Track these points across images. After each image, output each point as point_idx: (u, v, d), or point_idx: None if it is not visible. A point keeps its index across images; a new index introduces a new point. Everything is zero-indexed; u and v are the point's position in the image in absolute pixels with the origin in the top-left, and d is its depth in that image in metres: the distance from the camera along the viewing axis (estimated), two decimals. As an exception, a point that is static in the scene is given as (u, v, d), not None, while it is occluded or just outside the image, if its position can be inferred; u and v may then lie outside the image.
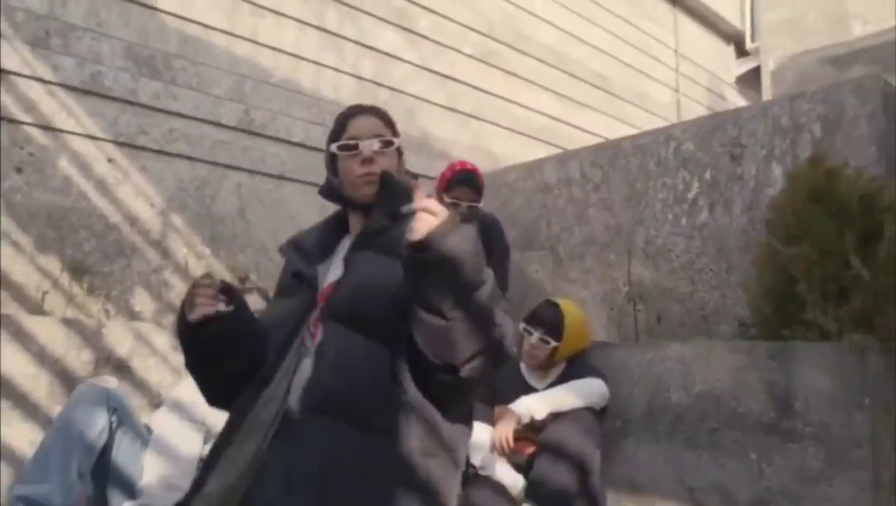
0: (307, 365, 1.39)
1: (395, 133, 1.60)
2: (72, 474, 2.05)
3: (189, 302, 1.43)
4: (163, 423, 2.37)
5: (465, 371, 1.26)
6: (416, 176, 1.58)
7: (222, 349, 1.44)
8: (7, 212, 2.89)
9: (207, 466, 1.41)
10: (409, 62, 4.47)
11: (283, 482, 1.28)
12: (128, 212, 3.25)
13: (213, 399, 1.56)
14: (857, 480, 2.18)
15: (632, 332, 3.17)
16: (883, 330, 2.26)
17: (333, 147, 1.56)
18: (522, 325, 2.54)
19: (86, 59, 3.18)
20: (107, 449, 2.19)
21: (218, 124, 3.57)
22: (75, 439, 2.10)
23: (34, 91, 3.01)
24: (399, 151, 1.60)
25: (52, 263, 2.98)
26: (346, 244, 1.57)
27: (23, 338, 2.46)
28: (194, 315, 1.40)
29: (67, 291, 2.99)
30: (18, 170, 2.96)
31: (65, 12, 3.14)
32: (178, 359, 2.69)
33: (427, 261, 1.19)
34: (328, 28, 4.08)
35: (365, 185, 1.50)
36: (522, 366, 2.59)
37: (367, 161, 1.50)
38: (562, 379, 2.54)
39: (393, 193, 1.35)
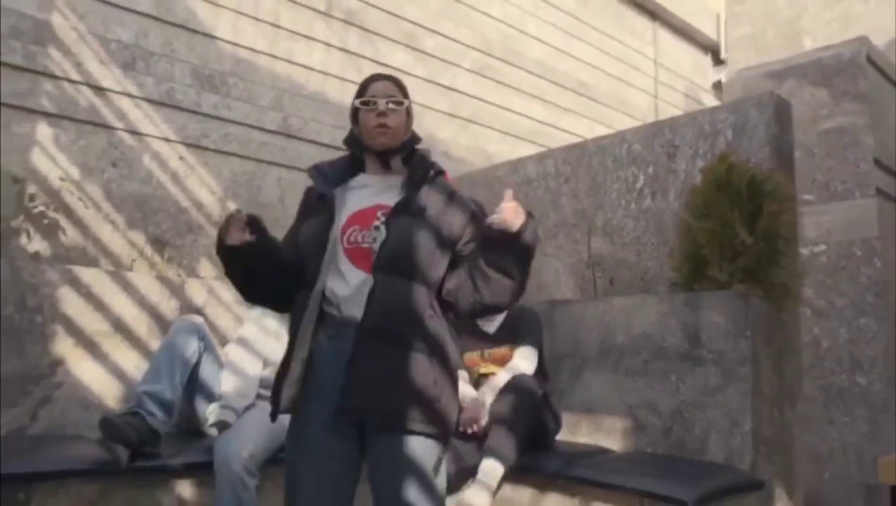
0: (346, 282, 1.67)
1: (405, 97, 1.80)
2: (176, 380, 2.59)
3: (224, 229, 1.66)
4: (233, 351, 2.92)
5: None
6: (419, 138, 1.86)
7: (254, 264, 1.70)
8: (106, 197, 3.45)
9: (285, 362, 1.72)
10: (417, 76, 4.82)
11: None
12: (194, 198, 3.72)
13: (249, 298, 1.84)
14: (742, 390, 2.71)
15: (591, 292, 3.64)
16: (764, 281, 2.86)
17: (356, 102, 1.79)
18: None
19: (162, 79, 3.65)
20: (196, 367, 2.72)
21: (262, 129, 4.00)
22: (177, 355, 2.64)
23: (124, 104, 3.51)
24: (408, 112, 1.81)
25: (139, 238, 3.51)
26: (360, 179, 1.81)
27: (129, 289, 3.01)
28: (231, 240, 1.65)
29: (150, 259, 3.53)
30: (114, 165, 3.47)
31: (146, 42, 3.63)
32: (240, 309, 3.26)
33: (514, 242, 1.63)
34: (350, 49, 4.48)
35: (378, 134, 1.74)
36: None
37: (381, 115, 1.73)
38: (506, 320, 2.94)
39: (422, 165, 1.77)
